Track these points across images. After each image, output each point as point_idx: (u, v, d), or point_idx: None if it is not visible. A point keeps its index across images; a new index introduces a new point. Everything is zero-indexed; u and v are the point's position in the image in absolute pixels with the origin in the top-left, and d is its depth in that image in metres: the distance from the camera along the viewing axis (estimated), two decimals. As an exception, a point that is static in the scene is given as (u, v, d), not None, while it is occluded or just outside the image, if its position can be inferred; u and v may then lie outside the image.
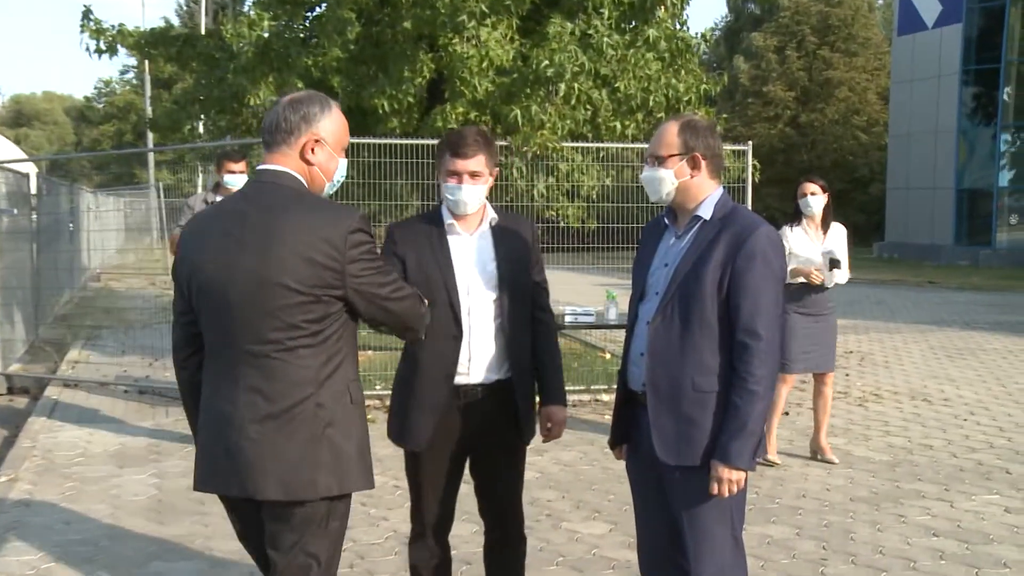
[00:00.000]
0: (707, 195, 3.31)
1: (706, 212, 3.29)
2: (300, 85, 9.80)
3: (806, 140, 44.88)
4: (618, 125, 9.76)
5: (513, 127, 9.00)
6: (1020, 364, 11.84)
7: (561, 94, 9.18)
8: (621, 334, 14.68)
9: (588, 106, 9.53)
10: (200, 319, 2.90)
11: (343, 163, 3.00)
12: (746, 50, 49.66)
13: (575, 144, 9.66)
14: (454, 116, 9.03)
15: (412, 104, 9.66)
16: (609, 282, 9.88)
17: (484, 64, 8.96)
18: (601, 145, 9.83)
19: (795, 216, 7.10)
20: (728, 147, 9.98)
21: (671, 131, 3.31)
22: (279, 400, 2.77)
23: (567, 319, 8.11)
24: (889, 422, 8.56)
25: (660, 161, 3.30)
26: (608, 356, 11.26)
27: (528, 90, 8.97)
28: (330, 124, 2.91)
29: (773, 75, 45.66)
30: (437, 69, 9.55)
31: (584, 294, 10.97)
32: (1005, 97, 31.87)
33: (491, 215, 3.73)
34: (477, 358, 3.63)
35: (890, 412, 8.97)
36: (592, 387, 9.64)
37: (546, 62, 8.73)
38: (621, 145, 9.79)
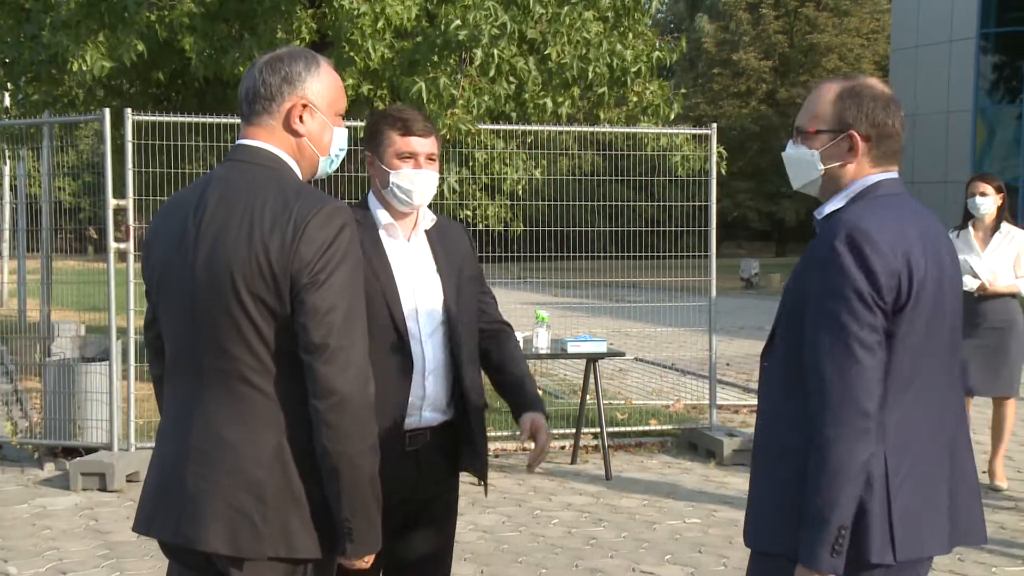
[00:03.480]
0: (849, 184, 3.01)
1: (830, 207, 3.02)
2: (140, 47, 9.78)
3: (786, 121, 45.22)
4: (549, 102, 9.89)
5: (416, 104, 9.07)
6: (1049, 402, 12.12)
7: (477, 63, 9.26)
8: (555, 366, 14.70)
9: (511, 78, 9.65)
10: (161, 329, 3.01)
11: (342, 132, 3.10)
12: (711, 8, 50.40)
13: (495, 127, 9.77)
14: (341, 90, 9.07)
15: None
16: (539, 300, 9.92)
17: (380, 24, 9.03)
18: (528, 128, 9.89)
19: (963, 218, 8.00)
20: (686, 131, 10.11)
21: (826, 96, 3.02)
22: (238, 429, 2.82)
23: (486, 348, 8.17)
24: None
25: (803, 136, 3.05)
26: (541, 394, 11.23)
27: (435, 58, 9.06)
28: (319, 85, 3.00)
29: (745, 39, 46.36)
30: (320, 29, 9.61)
31: (509, 315, 11.02)
32: (1033, 68, 32.60)
33: (428, 216, 3.83)
34: (432, 395, 3.70)
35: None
36: (518, 434, 9.49)
37: (458, 22, 8.83)
38: (553, 128, 9.81)
